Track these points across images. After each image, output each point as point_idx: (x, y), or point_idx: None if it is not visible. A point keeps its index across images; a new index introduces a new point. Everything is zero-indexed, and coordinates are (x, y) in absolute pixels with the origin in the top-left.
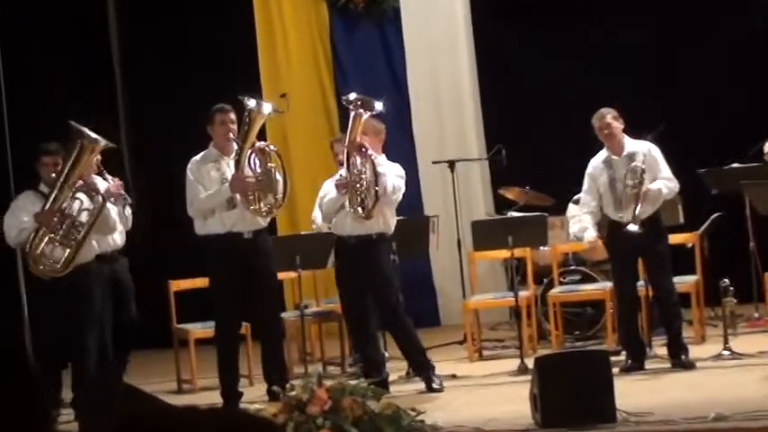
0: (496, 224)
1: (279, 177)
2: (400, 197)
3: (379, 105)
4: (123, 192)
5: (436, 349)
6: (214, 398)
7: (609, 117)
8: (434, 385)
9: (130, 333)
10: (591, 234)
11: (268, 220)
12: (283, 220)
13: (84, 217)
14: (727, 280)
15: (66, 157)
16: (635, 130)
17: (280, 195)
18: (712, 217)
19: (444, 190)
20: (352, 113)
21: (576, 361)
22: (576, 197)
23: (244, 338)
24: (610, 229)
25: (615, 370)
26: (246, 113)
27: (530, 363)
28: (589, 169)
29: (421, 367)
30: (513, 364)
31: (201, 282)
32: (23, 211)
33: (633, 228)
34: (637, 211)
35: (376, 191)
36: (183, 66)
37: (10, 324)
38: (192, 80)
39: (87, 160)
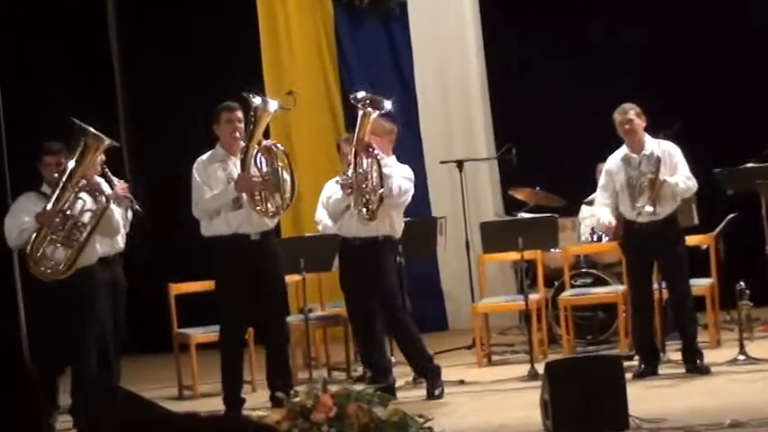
0: (506, 226)
1: (286, 177)
2: (408, 199)
3: (388, 104)
4: (129, 194)
5: (444, 354)
6: (216, 404)
7: (632, 113)
8: (435, 392)
9: (124, 334)
10: (607, 215)
11: (275, 221)
12: (286, 221)
13: (86, 217)
14: (742, 282)
15: (70, 156)
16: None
17: (287, 195)
18: (728, 218)
19: (452, 190)
20: (361, 112)
21: (588, 366)
22: (588, 198)
23: (246, 343)
24: (625, 230)
25: (628, 375)
26: (252, 111)
27: (540, 368)
28: (607, 165)
29: (423, 372)
30: (523, 369)
31: (203, 285)
32: (24, 212)
33: (649, 209)
34: (652, 197)
35: (381, 192)
36: (183, 65)
37: (6, 327)
38: (192, 80)
39: (91, 159)
